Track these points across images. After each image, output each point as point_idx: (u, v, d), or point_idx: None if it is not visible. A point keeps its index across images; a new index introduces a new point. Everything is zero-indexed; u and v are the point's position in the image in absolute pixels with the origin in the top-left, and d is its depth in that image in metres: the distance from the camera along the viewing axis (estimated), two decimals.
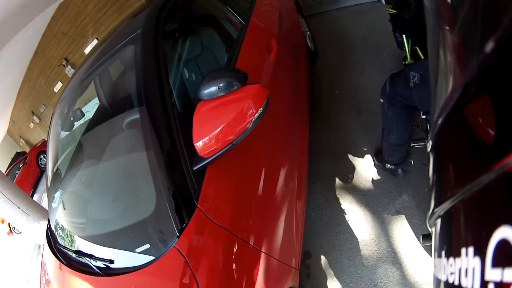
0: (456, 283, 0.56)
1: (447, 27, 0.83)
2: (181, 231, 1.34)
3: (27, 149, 12.65)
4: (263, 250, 1.57)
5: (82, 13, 7.67)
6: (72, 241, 1.82)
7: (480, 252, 0.48)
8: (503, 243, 0.43)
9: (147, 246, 1.42)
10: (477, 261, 0.49)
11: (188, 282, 1.27)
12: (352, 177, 2.77)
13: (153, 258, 1.37)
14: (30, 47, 8.93)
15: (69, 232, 1.88)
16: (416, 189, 2.41)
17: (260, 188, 1.72)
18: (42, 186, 9.91)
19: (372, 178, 2.66)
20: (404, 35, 2.27)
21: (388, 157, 2.40)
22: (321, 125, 3.37)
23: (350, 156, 2.93)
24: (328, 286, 2.29)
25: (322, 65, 4.09)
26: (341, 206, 2.65)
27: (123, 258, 1.50)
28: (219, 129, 1.36)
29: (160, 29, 1.89)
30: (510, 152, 0.44)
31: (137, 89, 1.71)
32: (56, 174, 2.15)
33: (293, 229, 1.98)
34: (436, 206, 0.79)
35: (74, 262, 1.72)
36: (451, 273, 0.60)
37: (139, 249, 1.43)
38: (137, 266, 1.40)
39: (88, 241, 1.69)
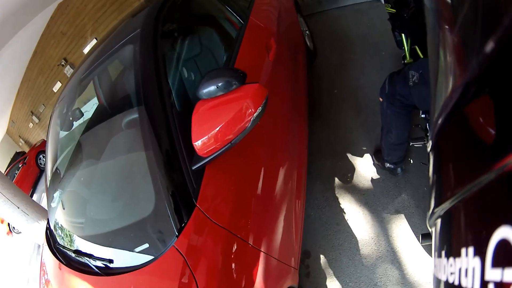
0: (456, 283, 0.56)
1: (447, 27, 0.83)
2: (180, 230, 1.34)
3: (27, 149, 12.62)
4: (262, 249, 1.57)
5: (81, 13, 7.67)
6: (71, 241, 1.82)
7: (480, 252, 0.49)
8: (503, 243, 0.43)
9: (146, 245, 1.42)
10: (477, 261, 0.49)
11: (187, 282, 1.27)
12: (352, 177, 2.77)
13: (152, 257, 1.37)
14: (29, 47, 8.92)
15: (68, 231, 1.88)
16: (415, 188, 2.41)
17: (259, 187, 1.71)
18: (41, 186, 9.90)
19: (372, 177, 2.66)
20: (403, 34, 2.27)
21: (387, 156, 2.40)
22: (320, 124, 3.37)
23: (349, 156, 2.93)
24: (328, 286, 2.29)
25: (322, 64, 4.08)
26: (341, 205, 2.65)
27: (122, 258, 1.50)
28: (218, 129, 1.36)
29: (159, 28, 1.89)
30: (510, 152, 0.44)
31: (136, 89, 1.71)
32: (55, 174, 2.15)
33: (292, 229, 1.98)
34: (436, 206, 0.79)
35: (73, 262, 1.72)
36: (451, 273, 0.60)
37: (138, 249, 1.43)
38: (136, 265, 1.40)
39: (87, 240, 1.69)
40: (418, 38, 2.17)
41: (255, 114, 1.41)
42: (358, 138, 3.01)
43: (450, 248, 0.65)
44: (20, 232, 7.48)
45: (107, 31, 2.71)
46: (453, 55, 0.78)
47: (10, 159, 12.65)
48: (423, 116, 2.07)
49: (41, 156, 10.69)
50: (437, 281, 0.71)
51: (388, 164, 2.46)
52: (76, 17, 7.79)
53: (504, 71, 0.50)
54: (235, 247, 1.44)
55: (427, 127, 2.03)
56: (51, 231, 2.06)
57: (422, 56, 2.13)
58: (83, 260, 1.63)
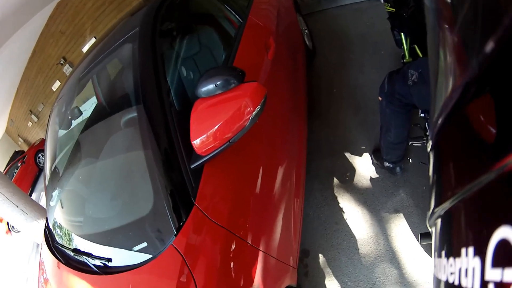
0: (456, 283, 0.57)
1: (447, 27, 0.83)
2: (178, 229, 1.34)
3: (25, 148, 12.64)
4: (261, 248, 1.57)
5: (80, 11, 7.66)
6: (70, 240, 1.82)
7: (480, 252, 0.49)
8: (503, 243, 0.43)
9: (144, 244, 1.41)
10: (477, 261, 0.49)
11: (186, 281, 1.27)
12: (351, 176, 2.77)
13: (150, 256, 1.37)
14: (28, 46, 8.92)
15: (67, 230, 1.88)
16: (414, 187, 2.41)
17: (258, 186, 1.71)
18: (40, 185, 9.90)
19: (371, 177, 2.66)
20: (402, 33, 2.27)
21: (386, 156, 2.40)
22: (319, 123, 3.37)
23: (348, 155, 2.93)
24: (326, 285, 2.29)
25: (321, 64, 4.08)
26: (339, 204, 2.65)
27: (120, 257, 1.49)
28: (216, 127, 1.36)
29: (157, 27, 1.89)
30: (510, 152, 0.44)
31: (134, 88, 1.70)
32: (54, 172, 2.14)
33: (291, 228, 1.98)
34: (436, 205, 0.79)
35: (72, 261, 1.72)
36: (451, 273, 0.60)
37: (136, 248, 1.43)
38: (134, 264, 1.39)
39: (86, 239, 1.69)
40: (417, 37, 2.17)
41: (253, 113, 1.41)
42: (357, 137, 3.01)
43: (450, 248, 0.65)
44: (19, 231, 7.49)
45: (106, 30, 2.71)
46: (453, 55, 0.78)
47: (9, 158, 12.66)
48: (422, 115, 2.07)
49: (40, 155, 10.70)
50: (437, 281, 0.71)
51: (387, 163, 2.46)
52: (75, 16, 7.78)
53: (504, 71, 0.50)
54: (234, 246, 1.43)
55: (426, 126, 2.03)
56: (49, 230, 2.06)
57: (421, 55, 2.13)
58: (81, 259, 1.62)
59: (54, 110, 2.41)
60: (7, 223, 7.84)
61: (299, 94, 2.76)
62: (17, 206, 3.63)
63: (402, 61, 2.44)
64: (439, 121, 0.81)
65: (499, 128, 0.50)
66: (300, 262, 2.46)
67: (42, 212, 3.81)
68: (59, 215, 1.98)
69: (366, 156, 2.81)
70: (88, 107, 2.20)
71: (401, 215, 2.32)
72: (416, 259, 2.09)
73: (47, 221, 2.13)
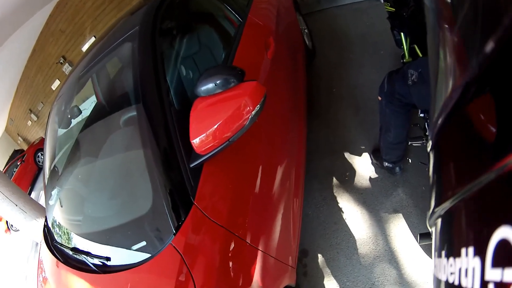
0: (456, 283, 0.57)
1: (447, 27, 0.83)
2: (177, 228, 1.34)
3: (25, 147, 12.61)
4: (260, 248, 1.57)
5: (80, 10, 7.66)
6: (69, 239, 1.82)
7: (480, 252, 0.49)
8: (503, 243, 0.43)
9: (143, 243, 1.41)
10: (477, 261, 0.49)
11: (184, 280, 1.27)
12: (350, 176, 2.77)
13: (149, 255, 1.36)
14: (28, 45, 8.91)
15: (66, 229, 1.88)
16: (413, 187, 2.41)
17: (257, 186, 1.71)
18: (39, 184, 9.90)
19: (370, 177, 2.66)
20: (402, 33, 2.27)
21: (385, 155, 2.40)
22: (319, 123, 3.36)
23: (348, 155, 2.93)
24: (325, 285, 2.29)
25: (321, 63, 4.08)
26: (339, 204, 2.65)
27: (119, 256, 1.50)
28: (216, 126, 1.36)
29: (157, 26, 1.89)
30: (510, 152, 0.44)
31: (134, 87, 1.70)
32: (53, 171, 2.14)
33: (290, 227, 1.98)
34: (436, 205, 0.79)
35: (71, 260, 1.71)
36: (451, 273, 0.60)
37: (135, 247, 1.43)
38: (133, 263, 1.39)
39: (85, 238, 1.69)
40: (417, 37, 2.17)
41: (253, 112, 1.41)
42: (356, 137, 3.01)
43: (450, 248, 0.65)
44: (18, 230, 7.50)
45: (106, 29, 2.71)
46: (453, 55, 0.78)
47: (8, 157, 12.64)
48: (421, 115, 2.07)
49: (39, 154, 10.71)
50: (437, 281, 0.71)
51: (386, 163, 2.46)
52: (75, 15, 7.78)
53: (504, 71, 0.50)
54: (233, 245, 1.43)
55: (426, 126, 2.03)
56: (48, 228, 2.06)
57: (421, 55, 2.13)
58: (80, 258, 1.62)
59: (54, 109, 2.41)
60: (6, 221, 7.84)
61: (298, 94, 2.76)
62: (16, 205, 3.63)
63: (402, 61, 2.45)
64: (439, 121, 0.81)
65: (499, 128, 0.50)
66: (299, 262, 2.45)
67: (41, 211, 3.81)
68: (58, 214, 1.98)
69: (366, 156, 2.81)
70: (88, 106, 2.20)
71: (400, 215, 2.32)
72: (415, 259, 2.09)
73: (46, 220, 2.13)
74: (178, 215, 1.36)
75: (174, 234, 1.33)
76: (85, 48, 8.03)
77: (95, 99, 2.20)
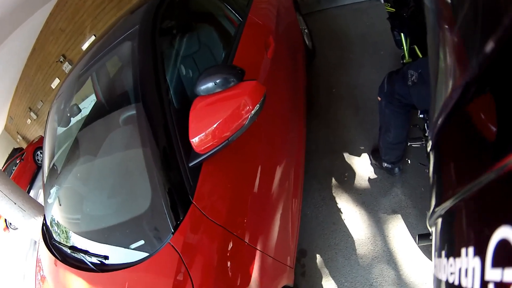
0: (456, 283, 0.57)
1: (447, 27, 0.83)
2: (176, 227, 1.34)
3: (24, 145, 12.63)
4: (258, 248, 1.57)
5: (80, 9, 7.65)
6: (67, 237, 1.82)
7: (480, 252, 0.49)
8: (503, 243, 0.43)
9: (141, 242, 1.41)
10: (477, 261, 0.49)
11: (182, 279, 1.27)
12: (349, 176, 2.77)
13: (147, 254, 1.36)
14: (28, 44, 8.91)
15: (64, 228, 1.88)
16: (412, 188, 2.41)
17: (256, 185, 1.71)
18: (38, 182, 9.90)
19: (369, 177, 2.66)
20: (402, 34, 2.27)
21: (385, 156, 2.40)
22: (318, 123, 3.36)
23: (347, 155, 2.93)
24: (323, 285, 2.29)
25: (321, 63, 4.08)
26: (337, 204, 2.65)
27: (117, 254, 1.49)
28: (215, 125, 1.36)
29: (157, 25, 1.88)
30: (510, 152, 0.44)
31: (133, 86, 1.70)
32: (52, 170, 2.14)
33: (288, 227, 1.98)
34: (437, 205, 0.79)
35: (69, 258, 1.72)
36: (451, 273, 0.60)
37: (133, 245, 1.43)
38: (131, 262, 1.39)
39: (83, 237, 1.69)
40: (417, 37, 2.17)
41: (252, 112, 1.41)
42: (356, 137, 3.01)
43: (450, 248, 0.65)
44: (16, 228, 7.51)
45: (106, 27, 2.71)
46: (453, 55, 0.78)
47: (7, 155, 12.66)
48: (421, 116, 2.07)
49: (38, 152, 10.75)
50: (437, 281, 0.71)
51: (385, 164, 2.46)
52: (75, 14, 7.77)
53: (504, 71, 0.50)
54: (231, 245, 1.43)
55: (425, 127, 2.03)
56: (47, 227, 2.05)
57: (421, 56, 2.13)
58: (78, 257, 1.62)
59: (53, 107, 2.41)
60: (5, 220, 7.86)
61: (298, 94, 2.76)
62: (15, 203, 3.62)
63: (401, 61, 2.45)
64: (439, 121, 0.81)
65: (499, 128, 0.50)
66: (297, 262, 2.46)
67: (40, 209, 3.81)
68: (56, 212, 1.98)
69: (365, 157, 2.81)
70: (87, 105, 2.20)
71: (399, 216, 2.32)
72: (413, 260, 2.09)
73: (44, 218, 2.13)
74: (176, 214, 1.36)
75: (173, 233, 1.33)
76: (85, 46, 8.03)
77: (95, 98, 2.19)
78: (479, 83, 0.59)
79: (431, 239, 1.58)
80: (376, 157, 2.64)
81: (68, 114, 2.27)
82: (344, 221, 2.52)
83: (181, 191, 1.41)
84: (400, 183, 2.48)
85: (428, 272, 2.01)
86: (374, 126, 2.76)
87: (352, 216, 2.52)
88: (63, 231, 1.88)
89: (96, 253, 1.54)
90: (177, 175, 1.43)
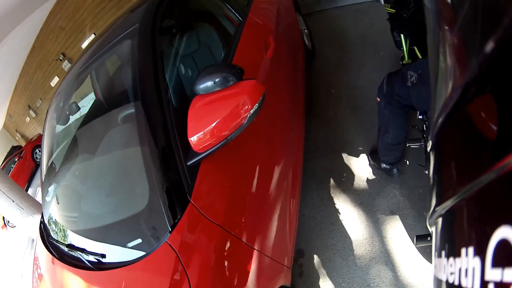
0: (456, 283, 0.57)
1: (447, 27, 0.83)
2: (173, 226, 1.34)
3: (23, 143, 12.63)
4: (255, 247, 1.57)
5: (80, 8, 7.65)
6: (64, 235, 1.82)
7: (480, 252, 0.49)
8: (503, 243, 0.43)
9: (139, 241, 1.41)
10: (477, 261, 0.50)
11: (179, 278, 1.27)
12: (347, 176, 2.77)
13: (144, 253, 1.36)
14: (28, 42, 8.90)
15: (62, 226, 1.87)
16: (411, 189, 2.41)
17: (254, 185, 1.71)
18: (37, 180, 9.91)
19: (367, 178, 2.66)
20: (402, 35, 2.27)
21: (383, 157, 2.40)
22: (317, 123, 3.36)
23: (345, 155, 2.93)
24: (320, 286, 2.29)
25: (320, 64, 4.08)
26: (335, 205, 2.65)
27: (115, 253, 1.49)
28: (214, 124, 1.36)
29: (157, 24, 1.88)
30: (510, 152, 0.44)
31: (133, 84, 1.70)
32: (51, 168, 2.14)
33: (286, 227, 1.98)
34: (437, 204, 0.79)
35: (66, 256, 1.71)
36: (451, 273, 0.60)
37: (131, 244, 1.43)
38: (128, 261, 1.39)
39: (80, 235, 1.69)
40: (417, 38, 2.17)
41: (251, 111, 1.41)
42: (354, 137, 3.01)
43: (450, 248, 0.65)
44: (14, 226, 7.49)
45: (106, 26, 2.70)
46: (453, 55, 0.79)
47: (6, 153, 12.65)
48: (420, 117, 2.07)
49: (37, 150, 10.75)
50: (437, 281, 0.71)
51: (384, 165, 2.46)
52: (75, 12, 7.77)
53: (504, 71, 0.50)
54: (229, 244, 1.43)
55: (424, 128, 2.03)
56: (45, 225, 2.05)
57: (420, 57, 2.13)
58: (76, 255, 1.62)
59: (52, 105, 2.41)
60: (3, 217, 7.86)
61: (298, 94, 2.76)
62: (13, 201, 3.62)
63: (401, 62, 2.45)
64: (439, 121, 0.81)
65: (499, 128, 0.50)
66: (295, 262, 2.45)
67: (38, 207, 3.80)
68: (54, 211, 1.97)
69: (364, 157, 2.81)
70: (86, 103, 2.20)
71: (397, 217, 2.32)
72: (411, 261, 2.09)
73: (42, 216, 2.13)
74: (174, 213, 1.36)
75: (170, 232, 1.33)
76: (84, 45, 8.03)
77: (94, 96, 2.19)
78: (479, 83, 0.59)
79: (429, 240, 1.58)
80: (374, 158, 2.63)
81: (67, 112, 2.27)
82: (342, 221, 2.52)
83: (179, 189, 1.40)
84: (399, 184, 2.48)
85: (425, 273, 2.01)
86: (373, 126, 2.76)
87: (350, 216, 2.52)
88: (60, 229, 1.88)
89: (93, 251, 1.53)
90: (175, 173, 1.43)
